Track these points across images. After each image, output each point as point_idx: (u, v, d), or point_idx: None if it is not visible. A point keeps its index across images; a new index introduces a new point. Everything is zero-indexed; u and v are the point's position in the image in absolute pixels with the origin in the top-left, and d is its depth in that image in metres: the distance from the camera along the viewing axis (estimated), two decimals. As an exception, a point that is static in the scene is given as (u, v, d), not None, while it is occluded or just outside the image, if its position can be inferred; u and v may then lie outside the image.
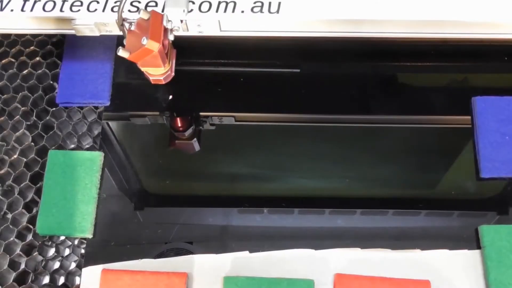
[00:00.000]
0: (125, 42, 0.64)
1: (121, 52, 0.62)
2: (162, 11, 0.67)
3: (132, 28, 0.64)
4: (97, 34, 0.70)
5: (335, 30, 0.69)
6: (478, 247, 0.69)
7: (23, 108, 0.78)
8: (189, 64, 0.79)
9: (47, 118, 0.78)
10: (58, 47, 0.81)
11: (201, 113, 0.77)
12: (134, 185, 0.74)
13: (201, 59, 0.80)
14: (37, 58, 0.81)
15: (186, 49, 0.75)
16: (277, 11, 0.67)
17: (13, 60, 0.81)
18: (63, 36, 0.81)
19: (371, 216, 0.71)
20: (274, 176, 0.74)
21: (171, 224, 0.71)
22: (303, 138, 0.76)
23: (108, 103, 0.78)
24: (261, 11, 0.67)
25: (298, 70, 0.79)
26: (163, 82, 0.71)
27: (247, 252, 0.69)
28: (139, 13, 0.63)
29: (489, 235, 0.68)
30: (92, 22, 0.69)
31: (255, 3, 0.68)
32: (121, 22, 0.64)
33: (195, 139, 0.75)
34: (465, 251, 0.69)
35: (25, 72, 0.80)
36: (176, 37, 0.68)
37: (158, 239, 0.70)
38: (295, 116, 0.77)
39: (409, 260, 0.68)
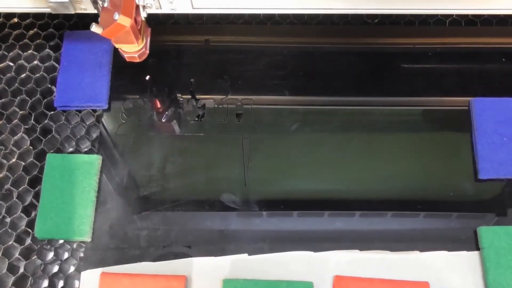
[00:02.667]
0: (99, 19, 0.64)
1: (94, 28, 0.63)
2: None
3: (105, 5, 0.64)
4: (72, 12, 0.70)
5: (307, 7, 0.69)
6: (477, 248, 0.69)
7: (21, 111, 0.78)
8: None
9: (45, 121, 0.78)
10: (56, 51, 0.81)
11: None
12: (132, 188, 0.74)
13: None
14: (35, 62, 0.81)
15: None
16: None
17: (11, 63, 0.81)
18: (61, 39, 0.82)
19: (370, 218, 0.71)
20: (272, 178, 0.74)
21: (169, 228, 0.71)
22: (301, 141, 0.76)
23: (106, 106, 0.78)
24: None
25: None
26: (138, 60, 0.71)
27: (246, 254, 0.69)
28: None
29: (487, 237, 0.68)
30: (67, 0, 0.69)
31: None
32: None
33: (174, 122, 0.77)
34: (464, 252, 0.69)
35: (23, 75, 0.80)
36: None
37: (157, 243, 0.70)
38: (296, 98, 0.78)
39: (408, 262, 0.68)
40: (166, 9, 0.71)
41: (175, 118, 0.77)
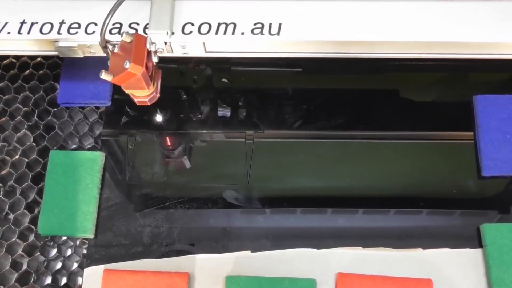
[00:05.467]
0: (108, 63, 0.62)
1: (104, 75, 0.61)
2: (145, 32, 0.66)
3: (116, 50, 0.62)
4: (80, 56, 0.70)
5: (318, 51, 0.70)
6: (480, 245, 0.69)
7: (24, 108, 0.78)
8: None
9: (49, 118, 0.78)
10: (59, 48, 0.82)
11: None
12: (135, 185, 0.74)
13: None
14: (38, 59, 0.81)
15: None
16: (269, 32, 0.67)
17: (14, 60, 0.81)
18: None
19: (373, 215, 0.71)
20: (275, 176, 0.74)
21: (172, 225, 0.71)
22: (305, 137, 0.76)
23: (109, 103, 0.78)
24: (254, 32, 0.67)
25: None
26: (148, 104, 0.70)
27: (249, 251, 0.69)
28: (121, 35, 0.62)
29: (490, 234, 0.68)
30: (76, 44, 0.68)
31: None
32: (104, 44, 0.63)
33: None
34: (467, 249, 0.69)
35: (26, 72, 0.80)
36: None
37: (160, 240, 0.70)
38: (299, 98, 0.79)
39: (411, 259, 0.68)
40: (178, 53, 0.69)
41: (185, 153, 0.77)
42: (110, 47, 0.63)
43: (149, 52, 0.64)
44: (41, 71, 0.80)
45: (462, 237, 0.69)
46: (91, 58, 0.79)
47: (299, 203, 0.72)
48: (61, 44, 0.68)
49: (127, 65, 0.60)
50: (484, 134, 0.74)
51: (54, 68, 0.81)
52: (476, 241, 0.69)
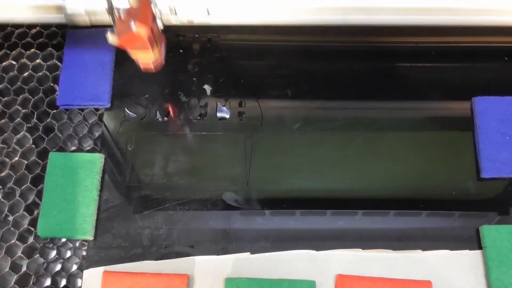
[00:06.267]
0: (114, 29, 0.64)
1: (110, 38, 0.62)
2: None
3: (122, 16, 0.64)
4: (87, 23, 0.70)
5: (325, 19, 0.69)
6: (479, 247, 0.69)
7: (24, 110, 0.78)
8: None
9: (48, 120, 0.78)
10: (59, 49, 0.81)
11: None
12: (135, 187, 0.74)
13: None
14: (38, 60, 0.81)
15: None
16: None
17: (13, 62, 0.81)
18: (63, 38, 0.82)
19: (372, 217, 0.71)
20: (275, 177, 0.74)
21: (172, 227, 0.71)
22: (304, 139, 0.76)
23: (108, 105, 0.78)
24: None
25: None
26: (154, 70, 0.71)
27: (248, 253, 0.69)
28: (128, 1, 0.64)
29: (490, 235, 0.68)
30: (83, 10, 0.68)
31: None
32: (110, 9, 0.64)
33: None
34: (466, 251, 0.69)
35: (25, 74, 0.80)
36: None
37: (159, 242, 0.70)
38: (299, 97, 0.78)
39: (410, 261, 0.68)
40: (182, 18, 0.70)
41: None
42: (116, 13, 0.64)
43: (154, 17, 0.65)
44: (40, 73, 0.80)
45: (461, 239, 0.69)
46: (90, 60, 0.79)
47: (298, 204, 0.72)
48: (68, 9, 0.68)
49: (133, 26, 0.62)
50: (484, 135, 0.74)
51: (54, 70, 0.81)
52: (475, 242, 0.69)
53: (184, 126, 0.77)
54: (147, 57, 0.68)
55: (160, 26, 0.67)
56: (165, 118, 0.77)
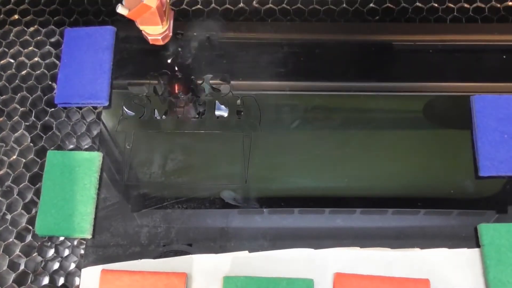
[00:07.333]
0: (124, 1, 0.64)
1: (120, 9, 0.62)
2: None
3: None
4: None
5: None
6: (477, 245, 0.69)
7: (22, 108, 0.78)
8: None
9: (46, 118, 0.78)
10: (57, 48, 0.81)
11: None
12: (133, 185, 0.74)
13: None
14: (36, 59, 0.81)
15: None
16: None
17: (11, 60, 0.81)
18: (62, 36, 0.81)
19: (371, 215, 0.71)
20: (273, 176, 0.74)
21: (170, 225, 0.71)
22: (302, 138, 0.76)
23: (106, 103, 0.78)
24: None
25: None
26: (162, 43, 0.71)
27: (246, 252, 0.69)
28: None
29: (488, 234, 0.68)
30: None
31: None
32: None
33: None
34: (464, 249, 0.69)
35: (23, 72, 0.80)
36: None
37: (157, 240, 0.70)
38: (297, 95, 0.78)
39: (408, 259, 0.68)
40: None
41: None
42: None
43: None
44: (38, 71, 0.80)
45: (459, 237, 0.69)
46: (88, 59, 0.79)
47: (297, 203, 0.72)
48: None
49: None
50: (482, 134, 0.74)
51: (52, 68, 0.80)
52: (473, 241, 0.69)
53: (183, 124, 0.77)
54: (156, 30, 0.68)
55: None
56: (164, 117, 0.77)
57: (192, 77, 0.77)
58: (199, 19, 0.83)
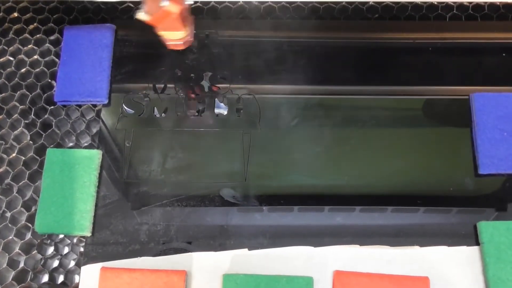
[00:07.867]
0: (144, 6, 0.63)
1: (141, 15, 0.61)
2: None
3: None
4: None
5: None
6: (477, 243, 0.69)
7: (21, 106, 0.78)
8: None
9: (46, 116, 0.78)
10: (56, 45, 0.81)
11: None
12: (132, 183, 0.74)
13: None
14: (35, 56, 0.81)
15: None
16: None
17: (11, 58, 0.81)
18: (61, 34, 0.81)
19: (370, 213, 0.71)
20: (272, 173, 0.74)
21: (170, 223, 0.71)
22: (302, 135, 0.76)
23: (106, 101, 0.78)
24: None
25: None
26: (183, 47, 0.69)
27: (246, 249, 0.69)
28: None
29: (487, 232, 0.68)
30: None
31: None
32: None
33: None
34: (464, 247, 0.69)
35: (23, 70, 0.80)
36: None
37: (157, 238, 0.70)
38: (296, 94, 0.78)
39: (408, 257, 0.68)
40: None
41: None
42: None
43: None
44: (38, 69, 0.80)
45: (459, 235, 0.70)
46: (88, 56, 0.79)
47: (296, 201, 0.72)
48: None
49: (165, 2, 0.61)
50: (481, 132, 0.74)
51: (51, 66, 0.80)
52: (473, 239, 0.69)
53: (182, 122, 0.77)
54: (177, 35, 0.67)
55: (190, 2, 0.66)
56: (163, 114, 0.77)
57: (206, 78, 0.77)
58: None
